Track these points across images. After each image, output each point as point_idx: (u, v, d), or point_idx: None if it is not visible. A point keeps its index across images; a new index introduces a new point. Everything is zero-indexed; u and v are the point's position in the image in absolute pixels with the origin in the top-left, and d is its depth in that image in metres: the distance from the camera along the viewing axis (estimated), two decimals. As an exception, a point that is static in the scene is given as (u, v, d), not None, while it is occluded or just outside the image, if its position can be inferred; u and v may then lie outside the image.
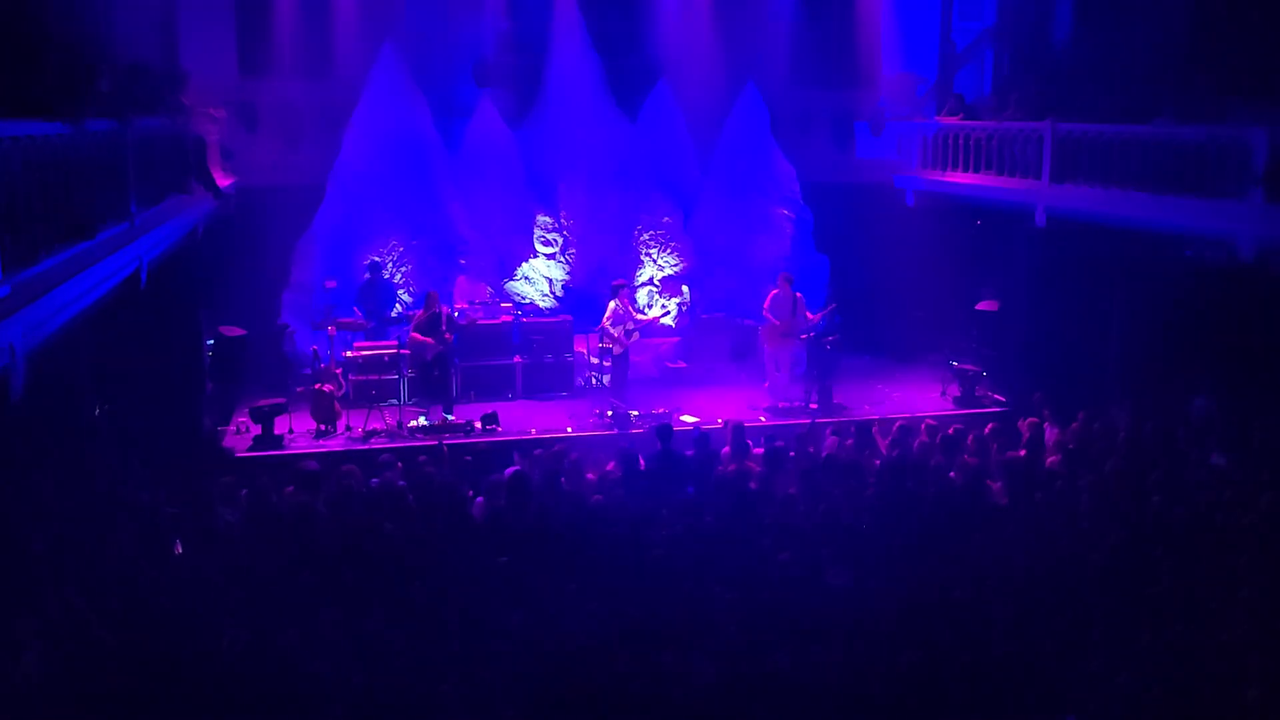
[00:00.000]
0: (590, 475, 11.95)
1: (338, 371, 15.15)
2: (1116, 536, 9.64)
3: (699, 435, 13.01)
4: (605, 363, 16.16)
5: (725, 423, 13.67)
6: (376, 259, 16.94)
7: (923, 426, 13.64)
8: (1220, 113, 12.50)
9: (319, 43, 17.21)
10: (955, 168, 17.53)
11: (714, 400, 15.91)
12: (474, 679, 7.33)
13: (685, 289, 18.26)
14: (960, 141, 17.38)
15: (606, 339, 15.53)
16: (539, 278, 18.00)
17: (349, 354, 15.72)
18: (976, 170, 16.97)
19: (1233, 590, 8.50)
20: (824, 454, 12.57)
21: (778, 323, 15.78)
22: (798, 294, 15.99)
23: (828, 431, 13.60)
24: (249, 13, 17.06)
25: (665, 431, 12.49)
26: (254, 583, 8.86)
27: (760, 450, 12.58)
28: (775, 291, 15.96)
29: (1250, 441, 12.20)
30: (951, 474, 11.82)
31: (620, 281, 16.12)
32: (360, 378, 15.57)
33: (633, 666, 7.49)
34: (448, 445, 13.09)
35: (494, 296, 17.43)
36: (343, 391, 15.10)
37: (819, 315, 16.07)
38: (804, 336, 15.98)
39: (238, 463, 13.18)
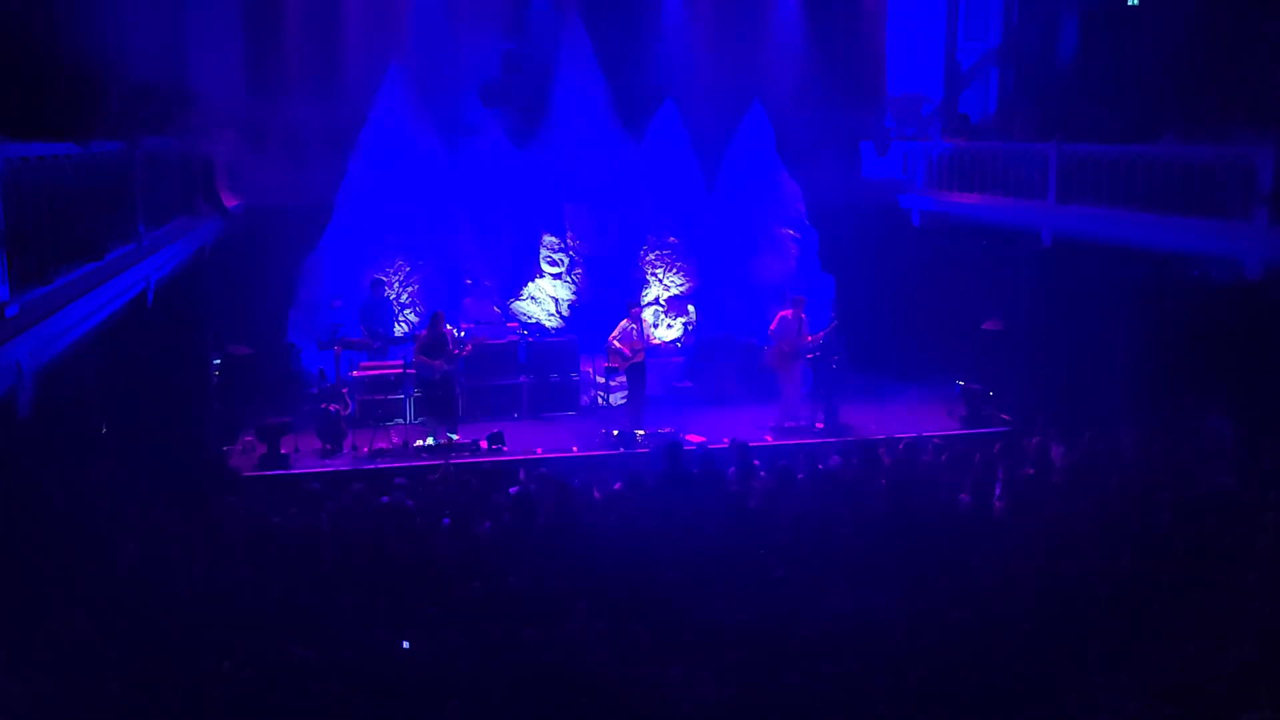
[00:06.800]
0: (597, 494, 11.94)
1: (344, 391, 15.16)
2: (1124, 556, 9.60)
3: (704, 454, 12.99)
4: (611, 382, 16.16)
5: (730, 442, 13.64)
6: (380, 277, 16.95)
7: (929, 446, 13.60)
8: (1225, 133, 12.52)
9: (326, 63, 17.31)
10: (961, 188, 17.54)
11: (719, 420, 15.88)
12: (482, 696, 7.31)
13: (691, 308, 18.27)
14: (966, 162, 17.40)
15: (614, 358, 15.52)
16: (545, 297, 18.02)
17: (355, 373, 15.73)
18: (982, 191, 16.97)
19: (1242, 609, 8.46)
20: (823, 474, 12.55)
21: (786, 348, 15.78)
22: (802, 315, 15.99)
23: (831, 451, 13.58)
24: (257, 33, 17.16)
25: (673, 451, 12.47)
26: (260, 601, 8.86)
27: (765, 474, 12.57)
28: (784, 314, 15.94)
29: (1259, 461, 12.16)
30: (958, 493, 11.80)
31: (634, 301, 16.20)
32: (366, 397, 15.57)
33: (640, 683, 7.47)
34: (454, 464, 13.08)
35: (500, 316, 17.45)
36: (349, 411, 15.11)
37: (820, 335, 16.04)
38: (809, 356, 15.96)
39: (243, 481, 13.17)
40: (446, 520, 10.82)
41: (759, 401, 16.39)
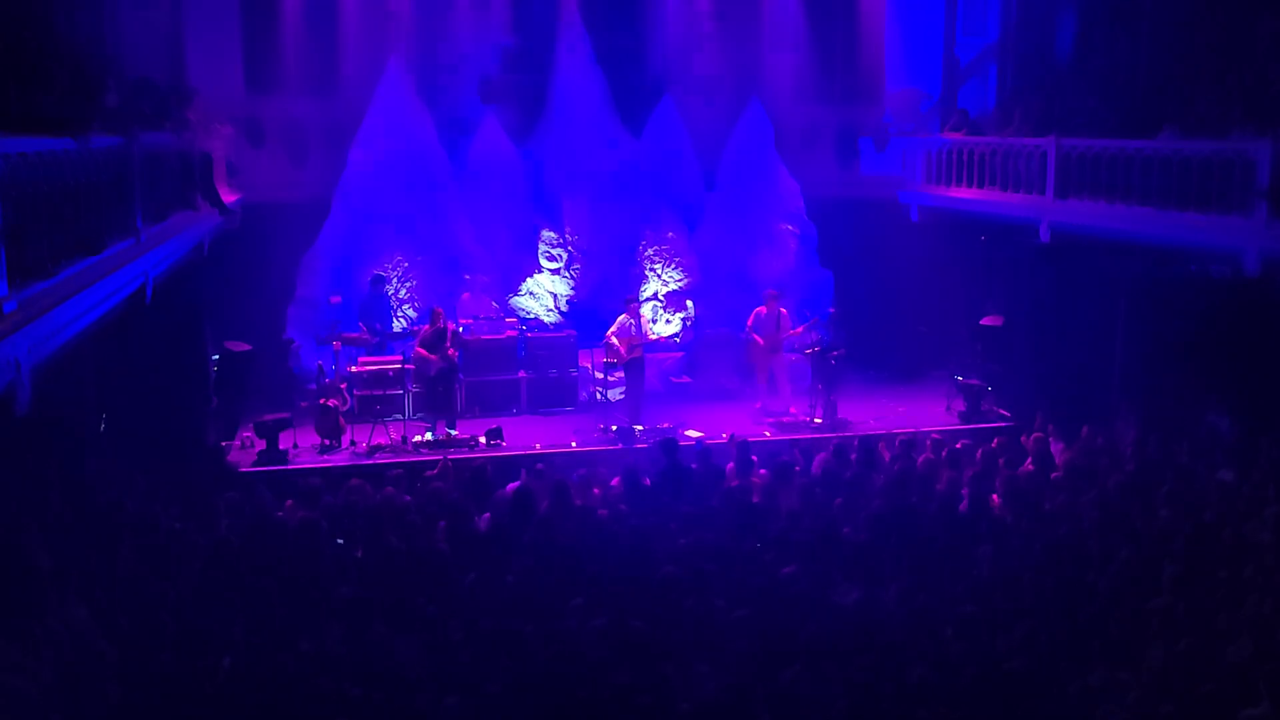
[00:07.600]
0: (595, 490, 11.93)
1: (342, 386, 15.15)
2: (1124, 551, 9.61)
3: (703, 450, 12.99)
4: (610, 378, 16.16)
5: (729, 438, 13.65)
6: (380, 273, 16.95)
7: (928, 441, 13.61)
8: (1224, 127, 12.51)
9: (325, 59, 17.29)
10: (959, 183, 17.55)
11: (718, 415, 15.88)
12: (479, 692, 7.31)
13: (690, 304, 18.26)
14: (964, 157, 17.40)
15: (611, 353, 15.52)
16: (544, 293, 18.01)
17: (354, 369, 15.73)
18: (981, 186, 16.98)
19: (1240, 605, 8.46)
20: (822, 469, 12.54)
21: (760, 341, 15.88)
22: (782, 309, 16.05)
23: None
24: (255, 29, 17.13)
25: (670, 446, 12.47)
26: (257, 597, 8.85)
27: (764, 470, 12.56)
28: (760, 309, 16.06)
29: (1257, 455, 12.16)
30: (957, 489, 11.79)
31: (632, 297, 16.21)
32: (365, 393, 15.56)
33: (637, 679, 7.47)
34: (452, 460, 13.07)
35: (499, 312, 17.45)
36: (347, 406, 15.10)
37: (801, 329, 16.10)
38: (808, 351, 15.98)
39: (242, 477, 13.16)
40: (443, 523, 10.79)
41: (758, 397, 16.40)
